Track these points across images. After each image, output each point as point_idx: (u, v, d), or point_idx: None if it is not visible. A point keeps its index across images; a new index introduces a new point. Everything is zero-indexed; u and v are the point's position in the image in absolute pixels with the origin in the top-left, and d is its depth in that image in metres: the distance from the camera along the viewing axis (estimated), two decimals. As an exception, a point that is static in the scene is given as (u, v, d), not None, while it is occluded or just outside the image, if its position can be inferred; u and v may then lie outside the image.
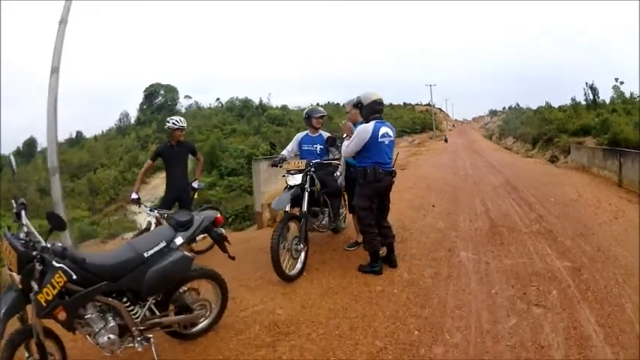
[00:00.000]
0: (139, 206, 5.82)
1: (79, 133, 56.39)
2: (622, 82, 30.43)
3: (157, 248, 2.99)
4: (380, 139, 4.98)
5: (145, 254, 2.93)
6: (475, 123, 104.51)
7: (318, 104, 53.48)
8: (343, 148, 5.18)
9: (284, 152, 6.24)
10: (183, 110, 44.14)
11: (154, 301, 3.11)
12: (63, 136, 53.14)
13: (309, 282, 5.05)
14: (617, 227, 7.00)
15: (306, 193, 5.40)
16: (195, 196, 6.51)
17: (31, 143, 52.57)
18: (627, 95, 28.93)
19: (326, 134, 6.03)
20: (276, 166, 6.17)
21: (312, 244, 5.98)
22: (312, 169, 5.51)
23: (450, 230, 7.18)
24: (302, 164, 5.68)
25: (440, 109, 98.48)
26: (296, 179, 5.45)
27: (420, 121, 66.06)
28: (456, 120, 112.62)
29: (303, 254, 5.29)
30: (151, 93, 49.46)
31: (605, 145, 17.72)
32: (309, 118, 6.10)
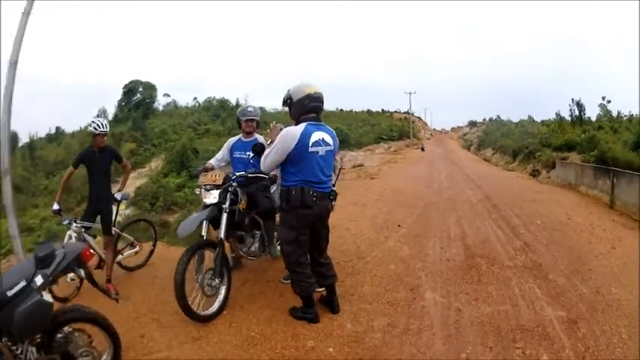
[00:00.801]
0: (61, 218, 5.52)
1: (58, 129, 56.32)
2: (609, 101, 30.35)
3: (18, 287, 2.78)
4: (311, 149, 3.94)
5: (8, 293, 2.73)
6: (454, 133, 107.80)
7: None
8: (262, 159, 4.12)
9: (212, 161, 5.62)
10: (160, 108, 45.52)
11: (39, 341, 2.94)
12: (44, 132, 54.49)
13: (227, 326, 4.34)
14: (615, 260, 6.32)
15: (225, 215, 4.64)
16: (123, 207, 6.11)
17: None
18: (614, 114, 29.22)
19: (261, 138, 5.27)
20: (196, 178, 5.29)
21: (246, 271, 5.74)
22: (235, 184, 4.81)
23: (415, 260, 6.33)
24: (219, 177, 4.76)
25: (419, 117, 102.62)
26: (212, 196, 4.70)
27: (397, 129, 67.74)
28: (434, 129, 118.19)
29: (222, 290, 4.57)
30: (129, 90, 49.48)
31: (592, 162, 17.03)
32: (238, 120, 5.50)
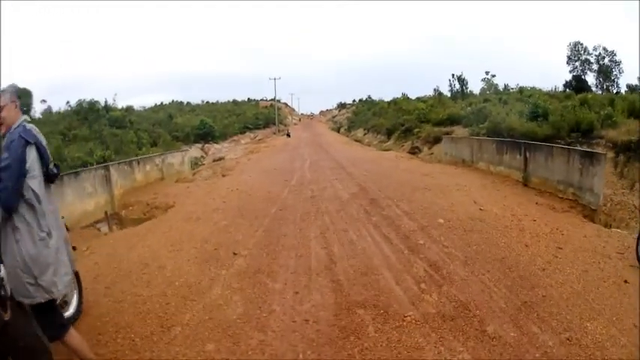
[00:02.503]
0: None
1: None
2: (493, 75, 33.01)
3: None
4: None
5: None
6: (322, 116, 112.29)
7: (162, 103, 62.44)
8: None
9: None
10: (37, 116, 42.31)
11: None
12: None
13: None
14: (572, 270, 5.21)
15: None
16: None
17: None
18: (501, 88, 32.00)
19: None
20: None
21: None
22: None
23: (251, 328, 4.21)
24: None
25: (285, 103, 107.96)
26: None
27: (263, 117, 70.59)
28: (302, 114, 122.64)
29: None
30: None
31: (484, 135, 17.40)
32: None
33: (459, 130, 20.98)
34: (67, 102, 44.88)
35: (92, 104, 40.66)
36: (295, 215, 8.37)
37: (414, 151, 22.67)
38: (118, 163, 11.96)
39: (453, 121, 23.33)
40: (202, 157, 32.99)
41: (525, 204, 8.67)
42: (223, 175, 17.12)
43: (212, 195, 11.04)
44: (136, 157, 14.00)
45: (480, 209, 7.84)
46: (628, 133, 12.35)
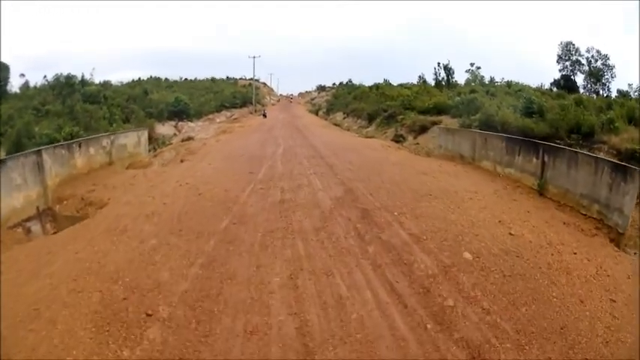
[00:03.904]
0: None
1: None
2: (478, 67, 32.30)
3: None
4: None
5: None
6: (301, 98, 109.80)
7: (139, 78, 58.27)
8: None
9: None
10: (14, 90, 40.16)
11: None
12: None
13: None
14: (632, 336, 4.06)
15: None
16: None
17: None
18: (487, 80, 31.08)
19: None
20: None
21: None
22: None
23: None
24: None
25: (264, 83, 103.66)
26: None
27: (241, 95, 67.71)
28: (281, 95, 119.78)
29: None
30: (-25, 72, 49.71)
31: (477, 127, 16.11)
32: None
33: (447, 120, 19.45)
34: (44, 76, 42.96)
35: (69, 79, 38.78)
36: (254, 236, 6.22)
37: (398, 139, 21.12)
38: (54, 147, 9.88)
39: (439, 110, 22.09)
40: (175, 134, 30.76)
41: (553, 224, 7.15)
42: (181, 161, 14.60)
43: (155, 191, 8.84)
44: (75, 140, 11.64)
45: (510, 234, 6.06)
46: (631, 141, 11.18)
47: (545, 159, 9.63)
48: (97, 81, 42.12)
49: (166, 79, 70.62)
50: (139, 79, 58.30)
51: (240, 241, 5.89)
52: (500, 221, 6.58)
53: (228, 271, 4.99)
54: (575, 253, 5.90)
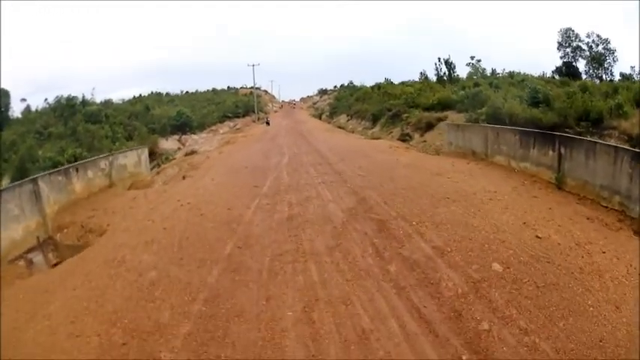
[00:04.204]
0: None
1: None
2: (479, 60, 32.62)
3: None
4: None
5: None
6: (303, 103, 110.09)
7: (140, 95, 58.36)
8: None
9: None
10: (16, 115, 41.28)
11: None
12: None
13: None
14: None
15: None
16: None
17: None
18: (488, 72, 31.35)
19: None
20: None
21: None
22: None
23: None
24: None
25: (265, 91, 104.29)
26: None
27: (243, 104, 68.22)
28: (283, 101, 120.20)
29: None
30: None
31: (484, 120, 15.90)
32: None
33: (453, 116, 19.15)
34: (45, 99, 42.91)
35: (70, 100, 39.07)
36: (261, 261, 5.83)
37: (404, 139, 20.79)
38: (50, 174, 9.57)
39: (444, 105, 21.70)
40: (179, 148, 30.64)
41: (577, 220, 6.87)
42: (183, 178, 14.17)
43: (154, 214, 8.47)
44: (72, 165, 11.30)
45: (537, 237, 5.70)
46: (642, 125, 10.81)
47: (562, 151, 9.37)
48: (98, 100, 42.23)
49: (167, 93, 70.67)
50: (140, 95, 58.93)
51: (246, 268, 5.54)
52: (524, 223, 6.24)
53: (235, 307, 4.63)
54: (604, 252, 5.68)
